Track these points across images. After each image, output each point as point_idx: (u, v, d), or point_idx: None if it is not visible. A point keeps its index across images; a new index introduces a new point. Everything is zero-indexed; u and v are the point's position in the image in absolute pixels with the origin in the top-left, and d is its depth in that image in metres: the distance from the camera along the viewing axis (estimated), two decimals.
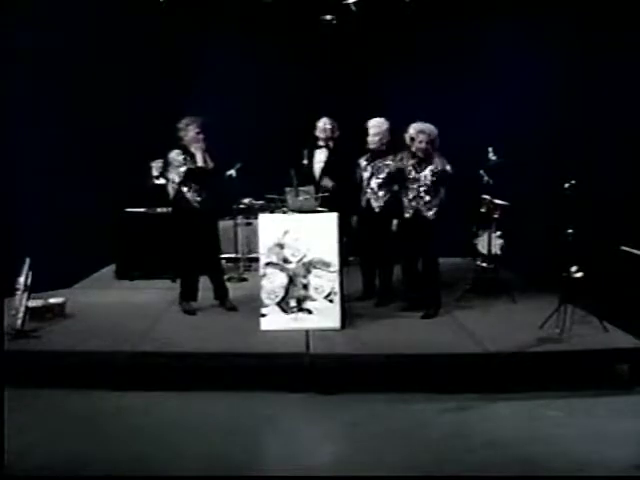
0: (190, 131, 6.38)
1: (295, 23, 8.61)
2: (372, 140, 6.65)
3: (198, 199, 6.42)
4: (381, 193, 6.62)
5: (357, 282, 7.02)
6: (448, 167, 6.16)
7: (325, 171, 7.16)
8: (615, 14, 6.78)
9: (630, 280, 5.82)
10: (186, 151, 6.40)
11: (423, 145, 6.17)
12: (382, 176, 6.60)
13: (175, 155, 6.39)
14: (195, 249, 6.44)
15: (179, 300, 6.64)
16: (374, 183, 6.64)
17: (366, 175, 6.69)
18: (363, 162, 6.74)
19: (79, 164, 7.67)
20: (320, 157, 7.24)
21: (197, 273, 6.61)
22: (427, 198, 6.18)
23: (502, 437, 4.59)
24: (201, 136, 6.38)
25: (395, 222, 6.48)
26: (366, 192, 6.69)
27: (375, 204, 6.66)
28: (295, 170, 6.49)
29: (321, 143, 7.21)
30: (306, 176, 6.90)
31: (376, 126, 6.65)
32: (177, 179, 6.37)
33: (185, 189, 6.38)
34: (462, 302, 6.77)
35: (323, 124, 7.21)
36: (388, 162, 6.56)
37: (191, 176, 6.36)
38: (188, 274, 6.59)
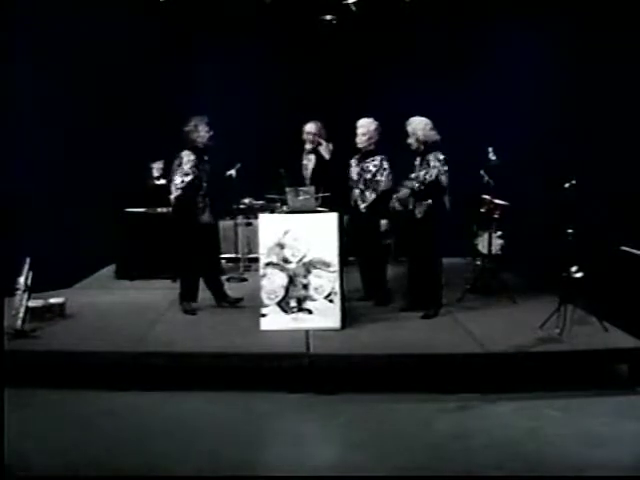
0: (201, 131, 6.41)
1: (295, 23, 8.62)
2: (360, 140, 6.64)
3: (201, 204, 6.42)
4: (367, 193, 6.60)
5: (357, 282, 7.01)
6: (432, 175, 6.11)
7: (314, 175, 7.09)
8: (615, 14, 6.78)
9: (630, 280, 5.82)
10: (199, 153, 6.41)
11: (409, 141, 6.25)
12: (368, 176, 6.58)
13: (188, 156, 6.38)
14: (196, 250, 6.44)
15: (179, 300, 6.64)
16: (361, 183, 6.63)
17: (354, 175, 6.69)
18: (353, 162, 6.74)
19: (79, 164, 7.67)
20: (308, 162, 7.18)
21: (197, 274, 6.61)
22: (419, 197, 6.19)
23: (502, 437, 4.59)
24: (212, 133, 6.45)
25: (384, 222, 6.52)
26: (354, 192, 6.68)
27: (362, 204, 6.63)
28: (285, 170, 6.52)
29: (308, 147, 7.13)
30: (297, 180, 6.87)
31: (364, 126, 6.63)
32: (188, 179, 6.35)
33: (192, 191, 6.38)
34: (462, 302, 6.77)
35: (307, 129, 7.13)
36: (376, 162, 6.56)
37: (202, 179, 6.38)
38: (188, 275, 6.59)
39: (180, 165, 6.38)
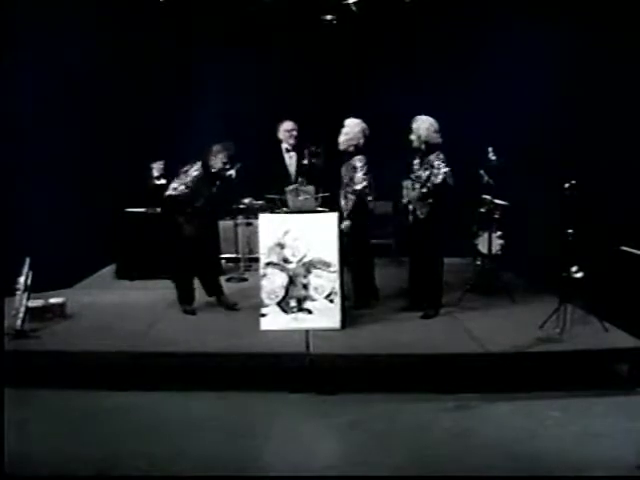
0: (218, 160, 6.43)
1: (295, 23, 8.62)
2: (340, 140, 6.54)
3: (189, 211, 6.42)
4: (348, 195, 6.51)
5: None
6: (439, 178, 6.07)
7: (298, 174, 7.10)
8: (616, 14, 6.78)
9: (630, 280, 5.82)
10: (211, 175, 6.42)
11: (411, 137, 6.23)
12: (347, 179, 6.51)
13: (197, 170, 6.37)
14: (191, 251, 6.43)
15: (178, 302, 6.64)
16: (343, 185, 6.57)
17: (341, 176, 6.64)
18: (345, 163, 6.71)
19: (79, 164, 7.68)
20: (290, 159, 7.20)
21: (192, 276, 6.61)
22: (423, 198, 6.18)
23: (502, 437, 4.59)
24: (227, 167, 6.47)
25: (346, 223, 6.39)
26: (341, 193, 6.63)
27: (344, 206, 6.55)
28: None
29: (288, 146, 7.14)
30: (284, 178, 6.93)
31: (348, 126, 6.55)
32: (180, 190, 6.34)
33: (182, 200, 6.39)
34: (462, 302, 6.77)
35: (290, 127, 7.13)
36: (353, 163, 6.47)
37: (199, 195, 6.39)
38: (182, 278, 6.59)
39: (186, 172, 6.39)
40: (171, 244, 6.54)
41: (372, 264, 6.80)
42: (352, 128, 6.53)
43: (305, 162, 6.90)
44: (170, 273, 6.93)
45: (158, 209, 7.96)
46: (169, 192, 6.41)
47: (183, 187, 6.35)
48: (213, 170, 6.45)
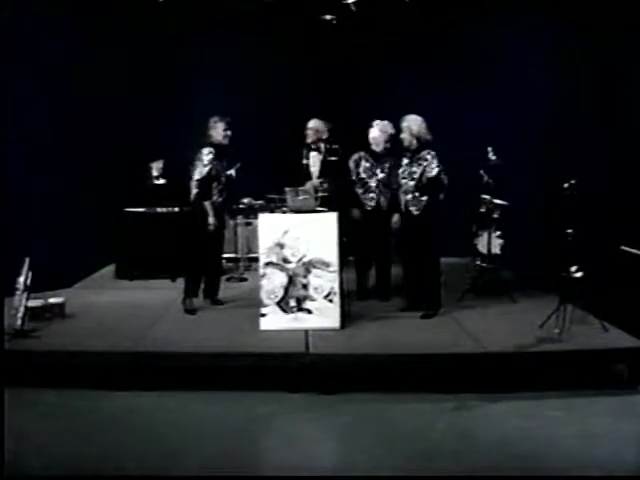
0: (219, 128, 6.46)
1: (295, 23, 8.62)
2: (378, 141, 6.73)
3: (220, 199, 6.49)
4: (384, 193, 6.67)
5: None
6: (434, 171, 6.12)
7: (322, 172, 7.15)
8: (616, 15, 6.79)
9: (630, 280, 5.82)
10: (216, 150, 6.45)
11: (402, 136, 6.28)
12: (382, 176, 6.68)
13: (207, 151, 6.41)
14: (206, 248, 6.48)
15: (183, 296, 6.61)
16: (380, 182, 6.70)
17: (370, 174, 6.74)
18: (367, 163, 6.77)
19: (79, 164, 7.68)
20: (315, 158, 7.24)
21: (203, 271, 6.65)
22: (417, 194, 6.19)
23: (502, 437, 4.59)
24: (229, 133, 6.49)
25: (396, 216, 6.56)
26: (372, 191, 6.73)
27: (384, 203, 6.72)
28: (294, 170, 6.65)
29: (312, 145, 7.18)
30: (305, 176, 7.00)
31: (383, 128, 6.72)
32: (205, 171, 6.38)
33: (209, 184, 6.43)
34: (462, 302, 6.77)
35: (310, 126, 7.19)
36: (391, 162, 6.64)
37: (219, 173, 6.46)
38: (196, 272, 6.61)
39: (200, 160, 6.41)
40: (194, 236, 6.50)
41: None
42: (387, 129, 6.71)
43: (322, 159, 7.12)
44: (183, 267, 6.91)
45: (158, 209, 7.97)
46: (197, 178, 6.39)
47: (207, 169, 6.37)
48: (216, 142, 6.47)
